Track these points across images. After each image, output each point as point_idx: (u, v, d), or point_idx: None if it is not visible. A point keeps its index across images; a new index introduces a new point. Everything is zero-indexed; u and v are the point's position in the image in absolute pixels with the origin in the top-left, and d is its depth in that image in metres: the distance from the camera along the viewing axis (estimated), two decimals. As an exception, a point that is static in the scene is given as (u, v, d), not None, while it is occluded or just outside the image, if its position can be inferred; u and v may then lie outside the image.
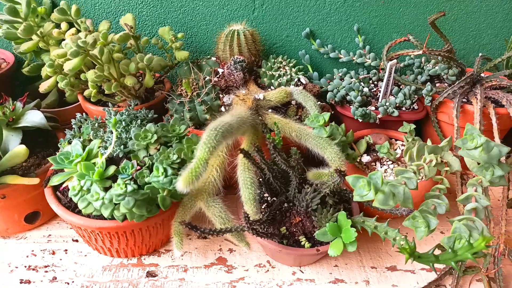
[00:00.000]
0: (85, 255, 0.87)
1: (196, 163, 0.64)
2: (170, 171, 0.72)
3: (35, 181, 0.82)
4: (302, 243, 0.78)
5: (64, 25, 0.90)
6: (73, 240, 0.91)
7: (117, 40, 0.87)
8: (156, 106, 1.02)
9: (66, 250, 0.88)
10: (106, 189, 0.74)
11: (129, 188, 0.66)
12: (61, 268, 0.84)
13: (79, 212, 0.78)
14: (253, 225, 0.68)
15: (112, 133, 0.87)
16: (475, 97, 0.98)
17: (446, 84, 1.09)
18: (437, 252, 0.58)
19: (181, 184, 0.63)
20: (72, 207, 0.80)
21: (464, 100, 1.02)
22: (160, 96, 1.04)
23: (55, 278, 0.82)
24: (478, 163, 0.75)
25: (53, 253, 0.87)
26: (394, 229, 0.72)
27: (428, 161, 0.74)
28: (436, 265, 0.88)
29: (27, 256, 0.86)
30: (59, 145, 0.90)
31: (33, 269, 0.84)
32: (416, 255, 0.58)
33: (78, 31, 0.91)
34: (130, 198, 0.67)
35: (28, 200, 0.87)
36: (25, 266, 0.84)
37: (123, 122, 0.84)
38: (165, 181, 0.72)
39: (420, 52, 0.92)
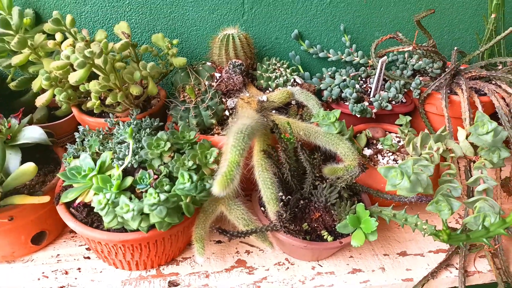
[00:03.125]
0: (101, 272, 0.84)
1: (229, 166, 0.65)
2: (195, 177, 0.72)
3: (45, 199, 0.78)
4: (325, 237, 0.80)
5: (59, 36, 0.87)
6: (84, 257, 0.87)
7: (118, 49, 0.85)
8: (155, 114, 1.00)
9: (79, 268, 0.85)
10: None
11: (162, 197, 0.65)
12: (78, 288, 0.81)
13: (96, 228, 0.76)
14: (285, 224, 0.69)
15: (121, 143, 0.85)
16: (460, 88, 1.05)
17: (428, 77, 1.16)
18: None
19: (217, 188, 0.63)
20: (89, 223, 0.77)
21: (448, 91, 1.10)
22: (158, 104, 1.02)
23: (73, 298, 0.79)
24: (477, 147, 0.81)
25: (66, 272, 0.84)
26: (413, 215, 0.76)
27: (436, 149, 0.79)
28: (443, 246, 0.94)
29: (39, 279, 0.82)
30: (63, 160, 0.86)
31: (48, 292, 0.80)
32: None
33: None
34: (162, 207, 0.66)
35: (35, 220, 0.83)
36: (39, 290, 0.80)
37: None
38: (191, 187, 0.71)
39: (410, 48, 0.98)
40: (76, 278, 0.83)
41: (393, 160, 0.98)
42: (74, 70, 0.89)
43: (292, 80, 1.07)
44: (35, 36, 0.91)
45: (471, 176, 0.91)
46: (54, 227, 0.89)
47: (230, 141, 0.67)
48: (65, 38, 0.88)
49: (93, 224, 0.77)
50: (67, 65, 0.83)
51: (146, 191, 0.75)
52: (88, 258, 0.87)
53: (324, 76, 1.17)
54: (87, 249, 0.89)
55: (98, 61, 0.81)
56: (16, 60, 0.88)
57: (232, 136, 0.68)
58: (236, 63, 1.00)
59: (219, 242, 0.93)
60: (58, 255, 0.88)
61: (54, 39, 0.89)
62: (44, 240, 0.88)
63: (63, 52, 0.81)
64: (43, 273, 0.83)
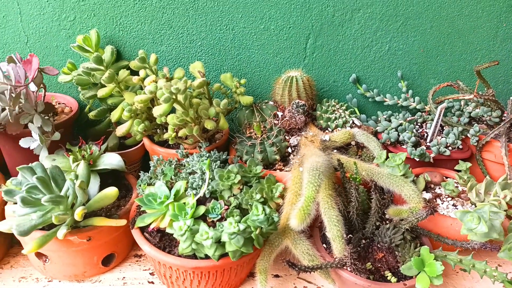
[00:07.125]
0: (164, 297, 0.87)
1: (306, 202, 0.68)
2: (268, 210, 0.75)
3: (122, 222, 0.83)
4: (388, 278, 0.81)
5: (143, 73, 0.95)
6: (148, 282, 0.91)
7: (195, 87, 0.92)
8: (219, 147, 1.06)
9: (144, 292, 0.88)
10: (202, 229, 0.76)
11: (241, 227, 0.68)
12: (143, 311, 0.84)
13: (168, 253, 0.80)
14: (355, 262, 0.71)
15: (192, 173, 0.90)
16: (520, 137, 1.06)
17: (484, 125, 1.18)
18: None
19: (295, 222, 0.66)
20: (162, 248, 0.81)
21: (506, 139, 1.10)
22: (223, 138, 1.08)
23: (139, 321, 0.82)
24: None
25: (132, 295, 0.87)
26: (481, 261, 0.76)
27: (504, 196, 0.80)
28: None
29: (106, 300, 0.86)
30: (137, 186, 0.92)
31: (115, 313, 0.83)
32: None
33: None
34: (240, 236, 0.69)
35: (108, 242, 0.88)
36: (107, 310, 0.84)
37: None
38: (263, 219, 0.74)
39: (471, 96, 1.01)
40: (141, 302, 0.86)
41: (453, 205, 0.98)
42: (153, 105, 0.97)
43: (350, 121, 1.11)
44: (119, 72, 0.99)
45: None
46: (122, 250, 0.94)
47: (305, 177, 0.71)
48: (147, 74, 0.97)
49: (165, 249, 0.81)
50: (149, 99, 0.90)
51: (218, 220, 0.79)
52: (152, 283, 0.91)
53: (379, 119, 1.20)
54: (151, 273, 0.93)
55: (180, 97, 0.88)
56: (101, 92, 0.96)
57: (307, 172, 0.72)
58: (300, 104, 1.05)
59: (277, 276, 0.95)
60: (124, 277, 0.92)
61: (137, 74, 0.97)
62: (112, 262, 0.92)
63: (147, 87, 0.89)
64: (110, 294, 0.87)
